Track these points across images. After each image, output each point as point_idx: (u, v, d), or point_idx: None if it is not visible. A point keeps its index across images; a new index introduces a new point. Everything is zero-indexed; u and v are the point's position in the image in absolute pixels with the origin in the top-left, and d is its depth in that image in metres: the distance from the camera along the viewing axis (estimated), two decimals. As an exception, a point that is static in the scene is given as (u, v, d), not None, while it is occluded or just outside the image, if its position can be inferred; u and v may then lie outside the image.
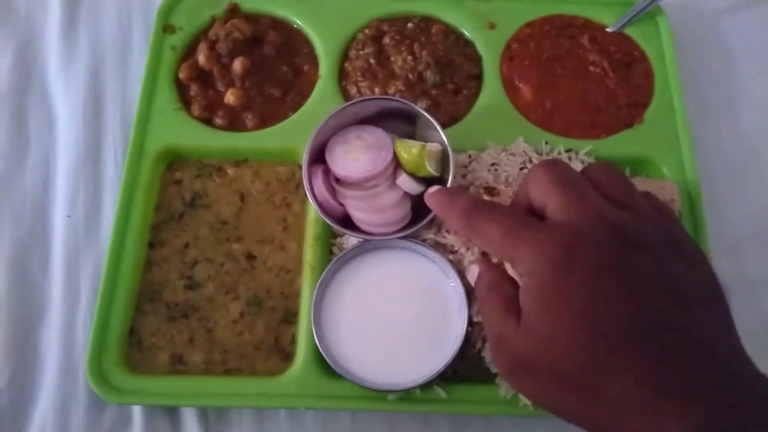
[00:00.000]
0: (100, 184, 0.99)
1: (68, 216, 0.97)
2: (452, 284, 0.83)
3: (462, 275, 0.84)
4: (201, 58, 1.01)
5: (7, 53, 1.09)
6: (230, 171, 0.97)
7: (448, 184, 0.84)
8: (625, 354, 0.53)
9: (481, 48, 1.03)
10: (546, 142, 0.94)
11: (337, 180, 0.88)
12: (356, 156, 0.88)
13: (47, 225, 0.97)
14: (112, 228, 0.91)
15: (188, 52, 1.04)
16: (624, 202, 0.60)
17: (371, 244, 0.87)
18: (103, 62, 1.08)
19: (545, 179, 0.61)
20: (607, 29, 1.04)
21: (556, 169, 0.62)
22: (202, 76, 1.01)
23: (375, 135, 0.90)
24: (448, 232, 0.87)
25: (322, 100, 1.00)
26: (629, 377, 0.53)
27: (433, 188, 0.81)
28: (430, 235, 0.87)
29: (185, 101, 1.01)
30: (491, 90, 1.00)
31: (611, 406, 0.54)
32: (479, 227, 0.65)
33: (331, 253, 0.92)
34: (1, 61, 1.09)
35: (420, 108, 0.89)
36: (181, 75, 1.01)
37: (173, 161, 0.98)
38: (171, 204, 0.95)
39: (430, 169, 0.86)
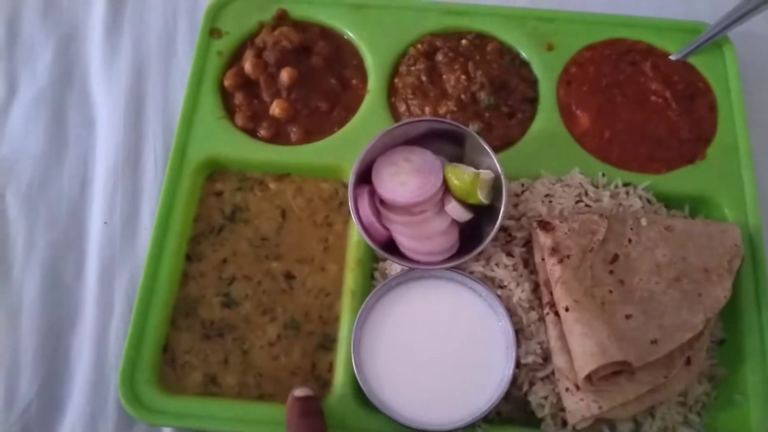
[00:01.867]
0: (138, 190, 0.97)
1: (105, 222, 0.95)
2: (500, 323, 0.80)
3: (511, 313, 0.81)
4: (247, 65, 0.98)
5: (49, 48, 1.07)
6: (272, 185, 0.95)
7: (501, 214, 0.81)
8: None
9: (537, 70, 0.99)
10: (603, 174, 0.91)
11: (382, 202, 0.85)
12: (404, 179, 0.85)
13: (83, 230, 0.95)
14: (150, 238, 0.88)
15: (234, 58, 1.02)
16: None
17: (416, 272, 0.84)
18: (146, 63, 1.06)
19: None
20: (671, 57, 0.99)
21: None
22: (248, 85, 0.98)
23: (424, 157, 0.87)
24: (497, 265, 0.84)
25: (369, 116, 0.97)
26: None
27: None
28: (478, 268, 0.84)
29: (229, 110, 0.98)
30: (547, 115, 0.96)
31: None
32: None
33: (372, 278, 0.89)
34: (43, 55, 1.07)
35: (473, 131, 0.86)
36: (227, 82, 0.98)
37: (214, 172, 0.95)
38: (210, 216, 0.93)
39: (482, 197, 0.83)
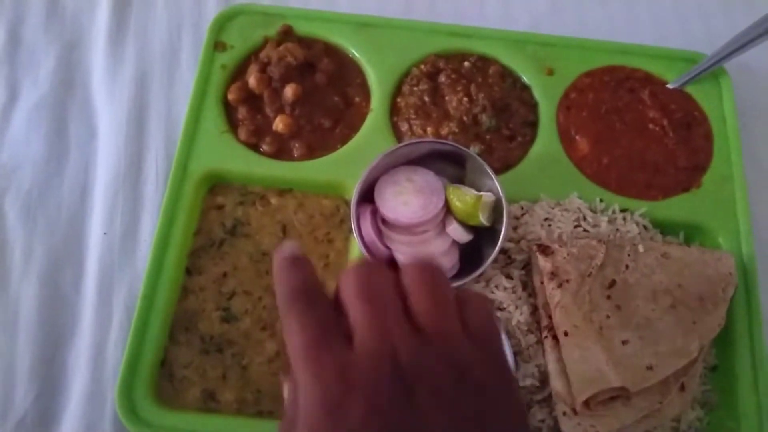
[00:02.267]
0: (139, 201, 0.97)
1: (104, 233, 0.94)
2: (500, 345, 0.81)
3: (510, 335, 0.82)
4: (251, 80, 0.98)
5: (51, 54, 1.07)
6: (274, 200, 0.95)
7: (501, 237, 0.82)
8: None
9: (538, 94, 1.01)
10: (601, 200, 0.92)
11: (384, 221, 0.86)
12: (407, 199, 0.86)
13: (82, 240, 0.95)
14: (151, 250, 0.88)
15: (238, 72, 1.02)
16: (427, 320, 0.48)
17: (417, 292, 0.84)
18: (149, 74, 1.05)
19: (351, 290, 0.49)
20: (668, 85, 1.01)
21: (363, 277, 0.50)
22: (252, 100, 0.99)
23: (426, 178, 0.88)
24: (497, 287, 0.85)
25: (372, 134, 0.97)
26: None
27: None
28: (478, 289, 0.85)
29: (232, 124, 0.98)
30: (546, 139, 0.97)
31: None
32: (286, 324, 0.49)
33: (372, 296, 0.89)
34: (45, 62, 1.06)
35: (475, 153, 0.87)
36: (230, 96, 0.98)
37: (216, 185, 0.95)
38: (211, 230, 0.93)
39: (483, 219, 0.84)
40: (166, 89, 1.04)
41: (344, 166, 0.94)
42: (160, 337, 0.85)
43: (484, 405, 0.46)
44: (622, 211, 0.92)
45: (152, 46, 1.07)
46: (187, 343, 0.86)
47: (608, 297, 0.82)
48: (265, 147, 0.96)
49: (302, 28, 1.05)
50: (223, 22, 1.04)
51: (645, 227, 0.91)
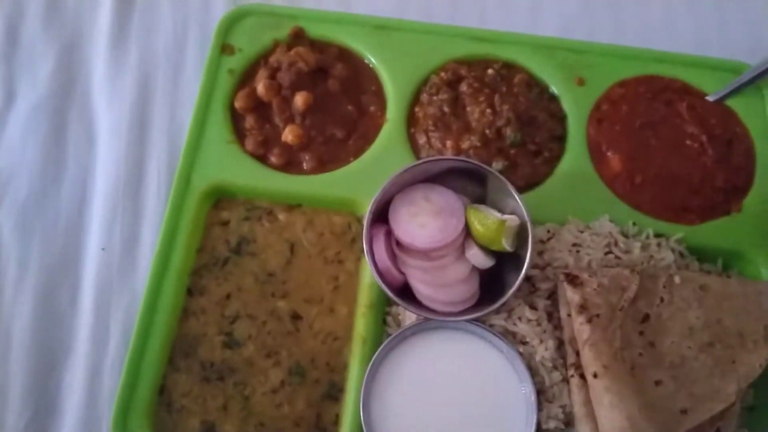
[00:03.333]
0: (139, 215, 0.91)
1: (103, 248, 0.89)
2: (521, 383, 0.75)
3: (533, 372, 0.76)
4: (260, 87, 0.92)
5: (50, 55, 1.01)
6: (281, 216, 0.89)
7: (526, 265, 0.76)
8: None
9: (567, 105, 0.94)
10: (633, 224, 0.85)
11: (399, 244, 0.80)
12: (423, 221, 0.79)
13: (79, 255, 0.90)
14: (150, 269, 0.83)
15: (246, 77, 0.96)
16: None
17: (433, 322, 0.79)
18: (153, 77, 1.00)
19: None
20: (708, 98, 0.94)
21: None
22: (260, 108, 0.93)
23: (445, 197, 0.81)
24: (519, 319, 0.79)
25: (387, 147, 0.91)
26: None
27: None
28: (499, 321, 0.79)
29: (239, 133, 0.92)
30: (575, 155, 0.90)
31: None
32: None
33: (385, 323, 0.84)
34: (43, 64, 1.00)
35: (497, 171, 0.81)
36: (237, 104, 0.92)
37: (220, 199, 0.90)
38: (215, 247, 0.87)
39: (506, 245, 0.77)
40: (169, 94, 0.98)
41: (357, 181, 0.89)
42: (159, 363, 0.81)
43: None
44: (657, 236, 0.85)
45: (156, 48, 1.01)
46: (187, 370, 0.81)
47: (641, 333, 0.76)
48: (273, 159, 0.91)
49: (314, 31, 0.98)
50: (230, 24, 0.98)
51: (681, 254, 0.85)
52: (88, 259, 0.89)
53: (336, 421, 0.79)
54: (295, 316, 0.84)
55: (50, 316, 0.86)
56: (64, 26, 1.03)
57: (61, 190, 0.93)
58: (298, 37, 0.97)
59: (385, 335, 0.82)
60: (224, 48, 0.96)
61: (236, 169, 0.90)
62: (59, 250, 0.90)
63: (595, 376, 0.72)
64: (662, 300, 0.77)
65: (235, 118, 0.93)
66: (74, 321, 0.86)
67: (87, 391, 0.83)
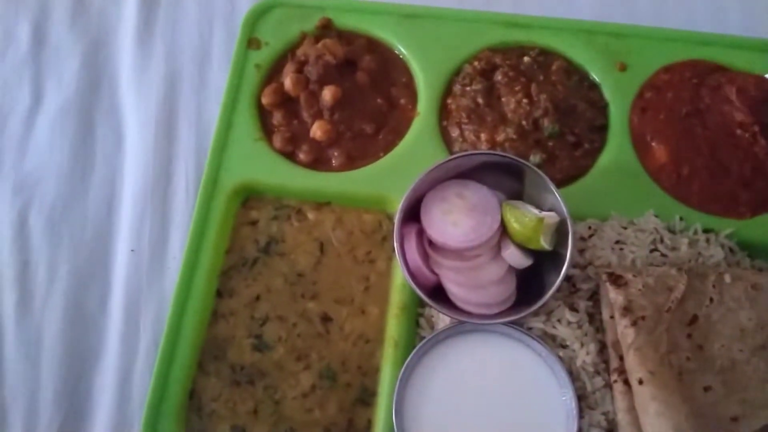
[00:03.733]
0: (168, 216, 0.90)
1: (132, 250, 0.88)
2: (561, 389, 0.72)
3: (574, 377, 0.72)
4: (287, 82, 0.90)
5: (76, 54, 1.00)
6: (310, 214, 0.87)
7: (566, 264, 0.72)
8: None
9: (608, 93, 0.89)
10: (681, 218, 0.81)
11: (431, 243, 0.77)
12: (456, 219, 0.76)
13: (109, 257, 0.89)
14: (180, 272, 0.82)
15: (273, 72, 0.93)
16: None
17: (467, 325, 0.75)
18: (179, 74, 0.98)
19: None
20: (759, 82, 0.88)
21: None
22: (288, 103, 0.90)
23: (479, 194, 0.78)
24: (559, 321, 0.75)
25: (418, 141, 0.88)
26: None
27: None
28: (538, 324, 0.75)
29: (266, 130, 0.90)
30: (618, 146, 0.86)
31: None
32: None
33: (418, 325, 0.81)
34: (69, 63, 1.00)
35: (534, 165, 0.77)
36: (264, 100, 0.90)
37: (249, 198, 0.88)
38: (244, 248, 0.85)
39: (545, 243, 0.74)
40: (196, 91, 0.97)
41: (387, 178, 0.86)
42: (189, 367, 0.79)
43: None
44: (705, 231, 0.80)
45: (182, 44, 1.00)
46: (217, 373, 0.80)
47: (689, 336, 0.72)
48: (301, 156, 0.88)
49: (342, 21, 0.95)
50: (257, 17, 0.96)
51: (731, 250, 0.80)
52: (118, 261, 0.89)
53: (368, 426, 0.77)
54: (326, 318, 0.82)
55: (80, 319, 0.86)
56: (90, 24, 1.02)
57: (89, 191, 0.92)
58: (326, 28, 0.95)
59: (418, 338, 0.80)
60: (251, 42, 0.94)
61: (264, 166, 0.88)
62: (88, 253, 0.89)
63: (640, 382, 0.68)
64: (711, 300, 0.73)
65: (263, 115, 0.91)
66: (104, 324, 0.86)
67: (117, 395, 0.83)
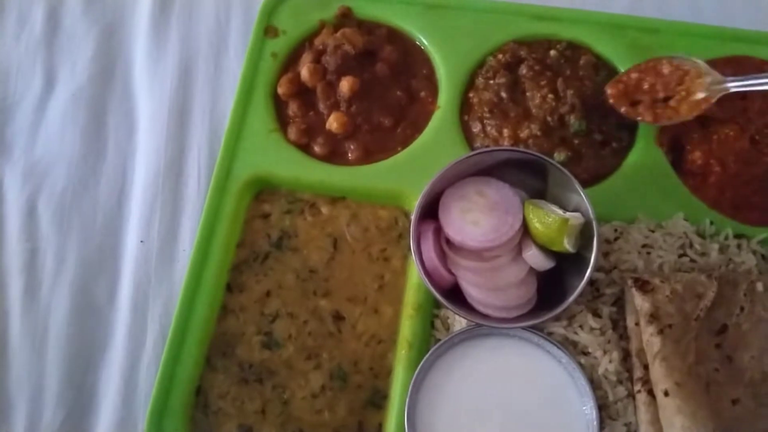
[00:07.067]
0: (179, 206, 0.88)
1: (141, 241, 0.86)
2: (582, 398, 0.69)
3: (595, 386, 0.69)
4: (304, 72, 0.87)
5: (90, 40, 0.98)
6: (324, 209, 0.84)
7: (590, 267, 0.68)
8: None
9: (637, 90, 0.85)
10: (711, 223, 0.77)
11: (449, 242, 0.74)
12: (476, 218, 0.73)
13: (118, 248, 0.87)
14: (189, 264, 0.80)
15: (290, 62, 0.91)
16: None
17: (485, 328, 0.73)
18: (194, 61, 0.96)
19: None
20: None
21: None
22: (304, 94, 0.88)
23: (500, 192, 0.74)
24: (581, 327, 0.72)
25: (438, 136, 0.85)
26: None
27: None
28: (559, 329, 0.72)
29: (281, 121, 0.88)
30: (646, 146, 0.83)
31: None
32: None
33: (433, 327, 0.78)
34: (83, 48, 0.98)
35: (559, 163, 0.74)
36: (280, 90, 0.88)
37: (262, 191, 0.86)
38: (255, 242, 0.83)
39: (568, 246, 0.70)
40: (211, 79, 0.95)
41: (405, 173, 0.83)
42: (196, 363, 0.77)
43: None
44: (737, 237, 0.77)
45: (197, 31, 0.98)
46: (225, 370, 0.78)
47: (717, 346, 0.69)
48: (316, 148, 0.86)
49: (363, 10, 0.93)
50: (275, 4, 0.93)
51: (764, 257, 0.76)
52: (127, 252, 0.87)
53: (379, 430, 0.74)
54: (338, 317, 0.79)
55: (87, 310, 0.84)
56: (105, 9, 1.00)
57: (100, 180, 0.91)
58: (346, 17, 0.92)
59: (432, 340, 0.77)
60: (267, 30, 0.92)
61: (279, 159, 0.86)
62: (97, 242, 0.87)
63: (666, 394, 0.65)
64: (742, 309, 0.70)
65: (278, 105, 0.89)
66: (111, 316, 0.84)
67: (123, 390, 0.81)
